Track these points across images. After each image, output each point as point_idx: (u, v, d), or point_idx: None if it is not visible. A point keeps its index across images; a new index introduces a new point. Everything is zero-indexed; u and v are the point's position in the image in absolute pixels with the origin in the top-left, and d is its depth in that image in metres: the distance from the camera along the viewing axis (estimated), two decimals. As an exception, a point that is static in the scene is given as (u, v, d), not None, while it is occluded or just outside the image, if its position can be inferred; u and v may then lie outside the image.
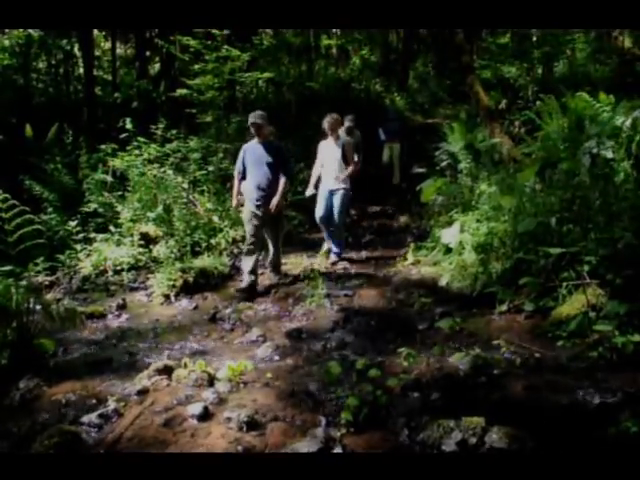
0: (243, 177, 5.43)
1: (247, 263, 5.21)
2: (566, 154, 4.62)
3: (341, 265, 6.08)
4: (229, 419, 2.65)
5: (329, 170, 6.18)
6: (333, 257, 6.22)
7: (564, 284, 3.88)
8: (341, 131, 7.77)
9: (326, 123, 6.18)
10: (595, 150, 4.99)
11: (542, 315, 3.92)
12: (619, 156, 4.95)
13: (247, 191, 5.35)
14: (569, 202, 4.54)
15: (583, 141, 5.17)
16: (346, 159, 6.16)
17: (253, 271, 5.20)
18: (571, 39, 11.89)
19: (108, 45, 14.62)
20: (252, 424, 2.61)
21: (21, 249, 3.80)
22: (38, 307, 3.73)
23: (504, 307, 4.14)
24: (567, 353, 3.23)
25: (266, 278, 5.57)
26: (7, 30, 9.49)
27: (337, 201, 6.15)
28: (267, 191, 5.22)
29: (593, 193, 4.44)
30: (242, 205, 5.57)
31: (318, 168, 6.29)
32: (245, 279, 5.19)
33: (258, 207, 5.23)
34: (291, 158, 5.90)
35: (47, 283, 5.36)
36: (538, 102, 7.69)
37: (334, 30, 15.84)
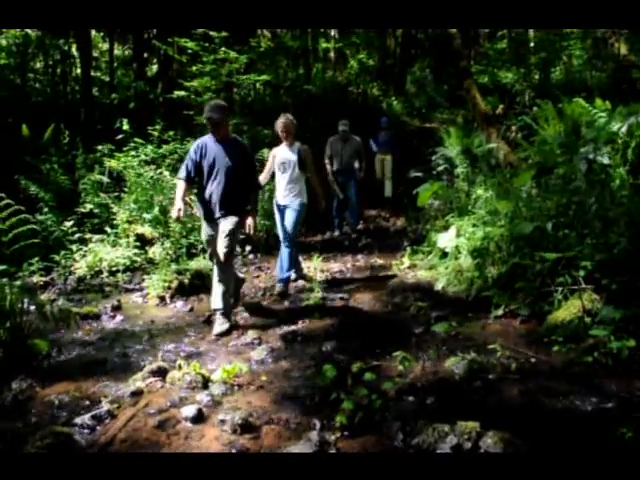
0: (191, 182, 4.30)
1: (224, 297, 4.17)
2: (562, 159, 4.63)
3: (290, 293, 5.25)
4: (223, 421, 2.64)
5: (281, 181, 5.29)
6: (278, 286, 5.14)
7: (559, 289, 3.88)
8: (335, 138, 8.00)
9: (278, 125, 5.22)
10: (591, 156, 5.01)
11: (537, 320, 3.92)
12: (615, 162, 4.97)
13: (203, 205, 4.28)
14: (565, 207, 4.55)
15: (579, 146, 5.18)
16: (303, 168, 5.28)
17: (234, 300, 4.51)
18: (567, 45, 11.93)
19: (106, 46, 14.58)
20: (246, 427, 2.59)
21: (16, 249, 3.78)
22: (32, 307, 3.72)
23: (500, 312, 4.15)
24: (562, 358, 3.23)
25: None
26: (4, 29, 9.44)
27: (289, 218, 5.20)
28: (229, 208, 4.19)
29: (589, 198, 4.45)
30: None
31: (266, 176, 5.42)
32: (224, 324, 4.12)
33: (214, 228, 4.23)
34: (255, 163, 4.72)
35: (42, 283, 5.34)
36: (535, 107, 7.72)
37: (332, 33, 15.87)
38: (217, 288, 4.18)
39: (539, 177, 4.56)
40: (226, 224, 4.17)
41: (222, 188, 4.20)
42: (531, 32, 13.64)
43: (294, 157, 5.23)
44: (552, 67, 12.80)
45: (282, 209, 5.28)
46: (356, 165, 8.06)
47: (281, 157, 5.29)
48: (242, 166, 4.28)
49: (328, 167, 7.97)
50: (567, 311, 3.69)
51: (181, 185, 4.23)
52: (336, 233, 8.17)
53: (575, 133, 5.80)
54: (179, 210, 4.07)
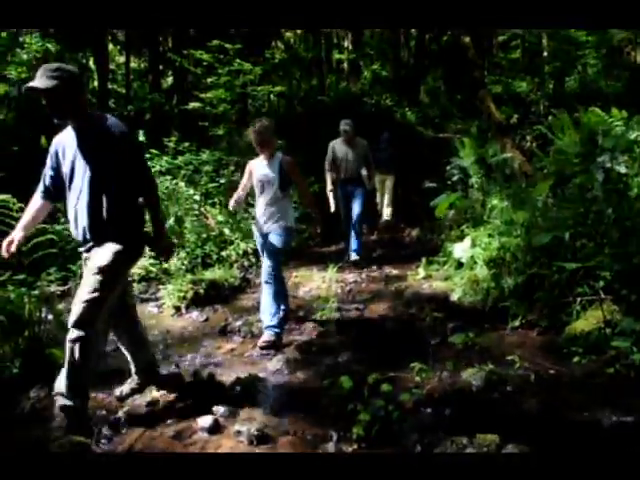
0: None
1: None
2: (579, 168, 4.60)
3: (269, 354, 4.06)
4: (239, 432, 2.63)
5: (260, 203, 4.28)
6: (267, 334, 4.01)
7: (578, 300, 3.84)
8: (338, 141, 6.73)
9: (251, 135, 4.27)
10: (608, 165, 4.96)
11: (555, 331, 3.87)
12: (633, 171, 4.91)
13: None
14: (583, 217, 4.50)
15: (596, 156, 5.14)
16: (284, 185, 4.22)
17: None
18: (582, 54, 11.89)
19: (122, 59, 14.83)
20: (262, 438, 2.58)
21: (34, 258, 3.81)
22: (50, 317, 3.74)
23: (517, 322, 4.10)
24: (583, 370, 3.18)
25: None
26: (25, 44, 9.65)
27: (270, 248, 4.16)
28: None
29: (607, 208, 4.41)
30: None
31: (240, 195, 4.38)
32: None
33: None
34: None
35: (59, 293, 5.37)
36: (550, 117, 7.69)
37: (345, 44, 15.95)
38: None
39: (557, 186, 4.52)
40: (96, 259, 2.73)
41: (85, 202, 2.75)
42: (545, 41, 13.61)
43: (273, 174, 4.19)
44: (567, 76, 12.75)
45: (263, 237, 4.29)
46: (363, 172, 6.83)
47: (259, 174, 4.26)
48: (112, 164, 2.73)
49: (329, 176, 6.71)
50: (586, 322, 3.64)
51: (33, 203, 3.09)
52: (353, 257, 6.72)
53: (591, 142, 5.75)
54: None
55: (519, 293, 4.33)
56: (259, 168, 4.29)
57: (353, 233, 6.73)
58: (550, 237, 4.06)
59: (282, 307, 4.14)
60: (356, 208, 6.72)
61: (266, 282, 4.14)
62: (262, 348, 3.92)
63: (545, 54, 13.60)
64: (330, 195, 6.69)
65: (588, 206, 4.53)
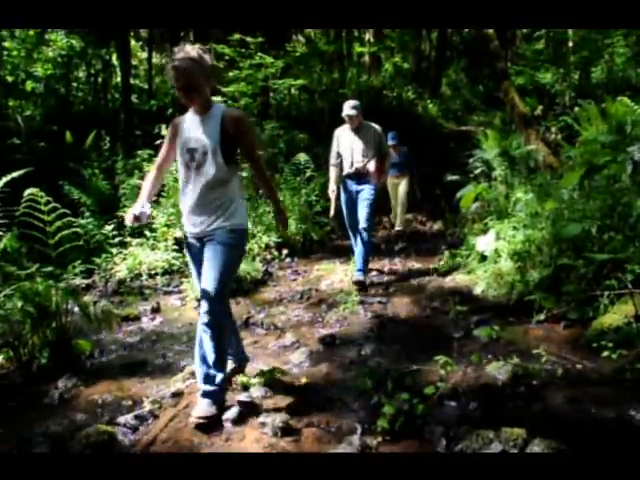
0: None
1: None
2: (608, 159, 4.50)
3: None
4: (263, 424, 2.63)
5: (186, 190, 2.82)
6: (201, 404, 2.72)
7: (606, 293, 3.76)
8: (344, 128, 5.54)
9: (171, 72, 2.70)
10: (638, 155, 4.84)
11: (582, 325, 3.80)
12: (663, 162, 4.80)
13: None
14: (610, 209, 4.41)
15: (625, 146, 5.02)
16: (229, 158, 2.74)
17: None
18: (610, 43, 11.61)
19: (144, 55, 14.94)
20: (287, 430, 2.58)
21: (60, 251, 3.87)
22: (76, 309, 3.80)
23: (542, 316, 4.04)
24: (612, 365, 3.11)
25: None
26: (51, 42, 9.80)
27: (209, 264, 2.76)
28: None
29: (636, 199, 4.30)
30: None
31: (147, 187, 2.97)
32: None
33: None
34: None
35: (84, 285, 5.46)
36: (576, 108, 7.53)
37: (367, 37, 15.85)
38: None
39: (588, 176, 4.43)
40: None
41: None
42: (570, 31, 13.34)
43: (209, 139, 2.70)
44: (593, 66, 12.48)
45: (194, 249, 2.88)
46: (371, 166, 5.40)
47: (184, 139, 2.78)
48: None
49: (332, 173, 5.62)
50: (614, 316, 3.56)
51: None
52: (356, 276, 5.36)
53: (619, 133, 5.63)
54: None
55: (544, 286, 4.26)
56: (186, 129, 2.79)
57: (359, 245, 5.45)
58: (580, 228, 3.98)
59: (219, 373, 2.79)
60: (362, 212, 5.38)
61: (205, 324, 2.75)
62: (197, 427, 2.63)
63: (570, 44, 13.34)
64: (331, 197, 5.64)
65: (617, 197, 4.43)
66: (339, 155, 5.58)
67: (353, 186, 5.49)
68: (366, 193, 5.41)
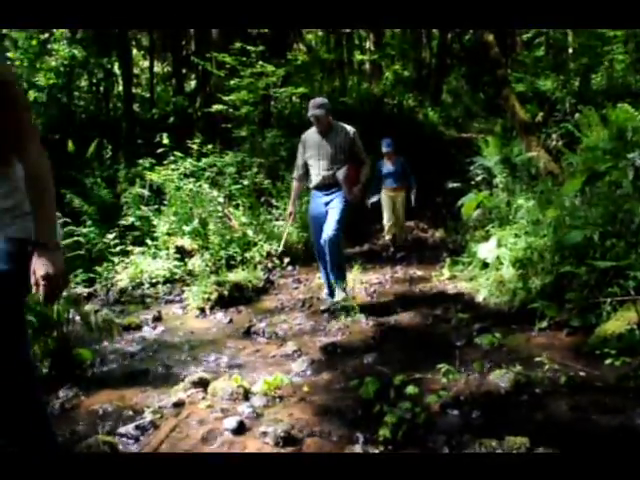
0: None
1: None
2: (610, 165, 4.51)
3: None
4: (265, 433, 2.62)
5: None
6: None
7: (608, 300, 3.75)
8: (310, 133, 4.89)
9: None
10: (639, 162, 4.84)
11: (585, 332, 3.78)
12: (665, 168, 4.79)
13: None
14: (612, 215, 4.40)
15: (626, 152, 5.02)
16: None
17: None
18: (609, 50, 11.63)
19: (146, 63, 15.03)
20: (288, 439, 2.57)
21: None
22: (77, 318, 3.80)
23: (544, 323, 4.02)
24: (616, 372, 3.09)
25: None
26: (53, 51, 9.86)
27: None
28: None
29: (638, 206, 4.30)
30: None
31: None
32: None
33: None
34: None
35: (85, 294, 5.46)
36: (576, 114, 7.54)
37: (367, 45, 15.92)
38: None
39: (590, 182, 4.44)
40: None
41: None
42: (570, 38, 13.38)
43: None
44: (593, 73, 12.50)
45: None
46: (340, 175, 4.68)
47: None
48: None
49: (294, 188, 5.10)
50: (617, 323, 3.55)
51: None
52: (325, 303, 4.91)
53: (620, 139, 5.63)
54: None
55: (547, 294, 4.25)
56: None
57: (327, 265, 4.83)
58: (582, 235, 3.97)
59: None
60: (328, 222, 4.70)
61: None
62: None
63: (570, 51, 13.37)
64: (287, 221, 5.19)
65: (618, 204, 4.43)
66: (305, 165, 4.92)
67: (322, 198, 4.83)
68: (335, 202, 4.74)
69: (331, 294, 4.92)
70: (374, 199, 7.36)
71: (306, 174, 4.96)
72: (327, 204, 4.79)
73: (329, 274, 4.88)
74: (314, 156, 4.81)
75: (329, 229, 4.64)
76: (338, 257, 4.77)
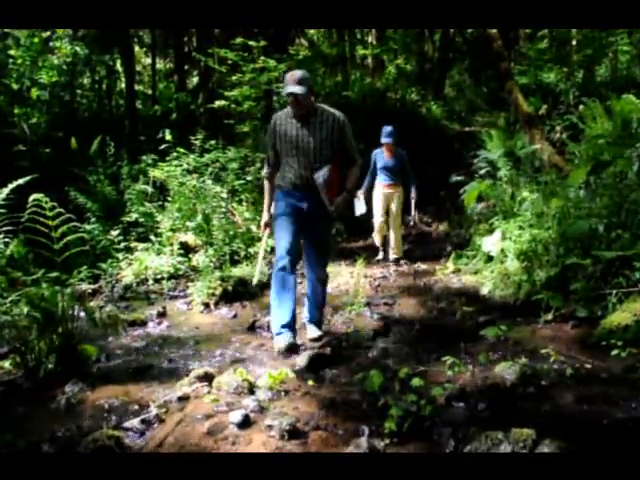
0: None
1: None
2: (615, 155, 4.49)
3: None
4: (270, 427, 2.61)
5: None
6: None
7: (614, 291, 3.73)
8: (283, 116, 3.73)
9: None
10: (644, 153, 4.82)
11: (590, 324, 3.77)
12: (670, 159, 4.76)
13: None
14: (618, 206, 4.38)
15: (631, 144, 4.99)
16: None
17: None
18: (613, 41, 11.56)
19: (148, 60, 15.02)
20: (294, 433, 2.56)
21: (66, 257, 3.87)
22: (82, 314, 3.80)
23: (550, 316, 4.01)
24: (622, 363, 3.08)
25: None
26: (56, 49, 9.86)
27: None
28: None
29: (643, 197, 4.28)
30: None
31: None
32: None
33: None
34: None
35: (90, 291, 5.47)
36: (580, 106, 7.50)
37: (369, 40, 15.86)
38: None
39: (595, 172, 4.42)
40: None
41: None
42: (573, 30, 13.30)
43: None
44: (597, 64, 12.44)
45: None
46: (320, 176, 3.54)
47: None
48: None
49: (266, 189, 3.95)
50: (623, 314, 3.53)
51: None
52: (311, 332, 3.94)
53: (625, 130, 5.60)
54: None
55: (552, 285, 4.24)
56: None
57: (311, 293, 3.99)
58: (587, 226, 3.96)
59: None
60: (317, 262, 3.87)
61: None
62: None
63: (574, 43, 13.29)
64: (263, 236, 4.12)
65: (624, 195, 4.41)
66: (277, 157, 3.80)
67: (297, 203, 3.70)
68: (316, 221, 3.70)
69: (293, 330, 3.73)
70: (363, 209, 4.97)
71: (276, 165, 3.84)
72: (305, 213, 3.67)
73: (309, 311, 4.00)
74: (289, 150, 3.66)
75: (318, 267, 3.82)
76: (324, 297, 4.01)
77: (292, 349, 3.52)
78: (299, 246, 3.77)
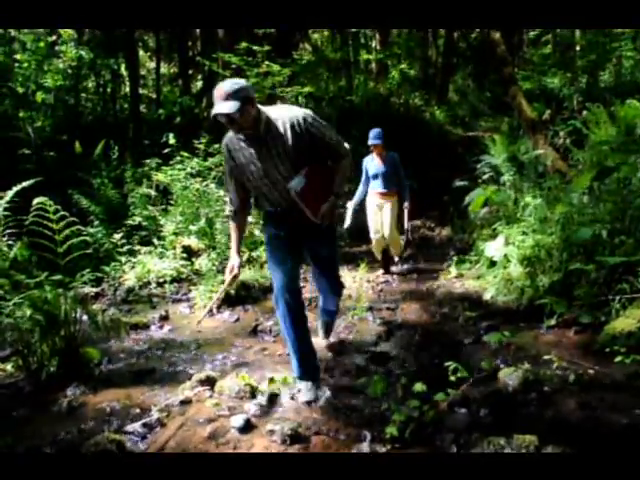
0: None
1: None
2: (619, 161, 4.47)
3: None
4: (272, 432, 2.61)
5: None
6: None
7: (617, 297, 3.71)
8: (235, 138, 2.92)
9: None
10: (648, 159, 4.80)
11: (594, 330, 3.75)
12: (674, 164, 4.75)
13: None
14: (621, 212, 4.37)
15: (635, 149, 4.98)
16: None
17: None
18: (617, 46, 11.55)
19: (153, 64, 15.08)
20: (295, 437, 2.56)
21: (69, 260, 3.88)
22: (85, 317, 3.80)
23: (553, 321, 3.99)
24: (626, 370, 3.07)
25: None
26: (61, 53, 9.92)
27: None
28: None
29: (647, 203, 4.27)
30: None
31: None
32: None
33: None
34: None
35: (93, 294, 5.48)
36: (584, 111, 7.50)
37: (373, 44, 15.89)
38: None
39: (597, 180, 4.41)
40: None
41: None
42: (577, 35, 13.31)
43: None
44: (601, 70, 12.43)
45: None
46: (295, 185, 2.86)
47: None
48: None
49: (232, 226, 3.23)
50: (627, 320, 3.51)
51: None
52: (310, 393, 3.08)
53: (629, 136, 5.59)
54: None
55: (555, 291, 4.22)
56: None
57: (323, 314, 3.81)
58: (591, 232, 3.95)
59: None
60: (329, 283, 3.48)
61: None
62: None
63: (578, 48, 13.29)
64: (228, 276, 3.25)
65: (627, 200, 4.39)
66: (242, 191, 3.10)
67: (284, 218, 3.07)
68: (316, 243, 3.22)
69: (316, 378, 3.17)
70: (348, 222, 4.51)
71: (247, 205, 3.20)
72: (299, 231, 3.09)
73: (321, 315, 3.75)
74: (256, 181, 2.94)
75: (330, 282, 3.44)
76: (337, 306, 3.68)
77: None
78: (299, 270, 3.34)
